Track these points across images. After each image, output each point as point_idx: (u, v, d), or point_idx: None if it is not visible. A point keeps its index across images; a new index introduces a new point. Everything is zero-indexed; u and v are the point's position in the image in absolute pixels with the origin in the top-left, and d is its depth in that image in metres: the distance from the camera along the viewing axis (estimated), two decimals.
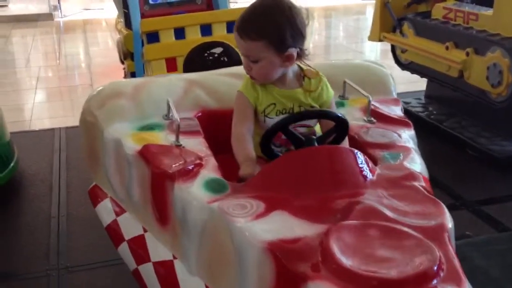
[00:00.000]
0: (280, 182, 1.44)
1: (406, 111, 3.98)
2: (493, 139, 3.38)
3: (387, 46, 4.45)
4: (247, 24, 1.65)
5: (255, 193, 1.43)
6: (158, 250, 1.67)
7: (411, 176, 1.53)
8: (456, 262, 1.18)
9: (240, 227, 1.32)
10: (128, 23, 3.87)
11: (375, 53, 6.62)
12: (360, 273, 1.10)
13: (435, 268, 1.12)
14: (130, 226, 1.82)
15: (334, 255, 1.15)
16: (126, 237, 1.81)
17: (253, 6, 1.68)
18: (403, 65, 4.13)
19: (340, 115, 1.64)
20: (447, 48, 3.49)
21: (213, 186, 1.50)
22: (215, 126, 1.84)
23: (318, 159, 1.47)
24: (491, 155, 3.27)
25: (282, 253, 1.22)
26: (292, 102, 1.74)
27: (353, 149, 1.55)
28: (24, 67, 6.31)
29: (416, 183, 1.50)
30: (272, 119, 1.72)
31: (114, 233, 1.89)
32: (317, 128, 1.81)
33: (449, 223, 1.32)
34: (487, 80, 3.20)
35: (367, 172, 1.49)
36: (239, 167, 1.63)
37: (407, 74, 4.19)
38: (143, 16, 3.77)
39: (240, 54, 1.75)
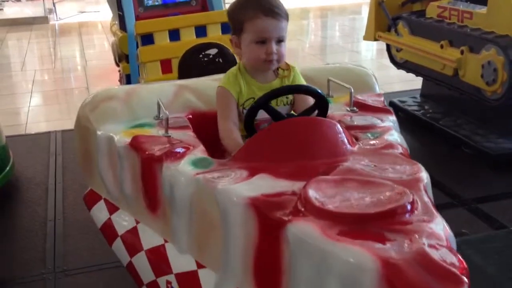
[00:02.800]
0: (263, 153, 1.49)
1: (402, 110, 4.02)
2: (488, 137, 3.39)
3: (382, 45, 4.45)
4: (275, 5, 1.76)
5: (240, 164, 1.48)
6: (150, 238, 1.73)
7: (390, 145, 1.60)
8: (430, 203, 1.24)
9: (223, 189, 1.37)
10: (122, 25, 3.87)
11: (371, 52, 6.63)
12: (334, 211, 1.16)
13: (408, 205, 1.17)
14: (123, 222, 1.87)
15: (310, 199, 1.20)
16: (119, 233, 1.86)
17: None
18: (398, 64, 4.14)
19: (319, 91, 1.71)
20: (442, 46, 3.50)
21: (200, 163, 1.55)
22: (205, 127, 1.88)
23: (299, 129, 1.52)
24: (487, 153, 3.27)
25: (263, 205, 1.27)
26: None
27: (333, 121, 1.60)
28: (19, 71, 6.30)
29: (394, 151, 1.56)
30: None
31: (108, 231, 1.93)
32: None
33: (425, 178, 1.36)
34: (481, 78, 3.20)
35: (346, 143, 1.54)
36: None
37: (402, 73, 4.20)
38: (137, 18, 3.77)
39: (256, 41, 1.76)
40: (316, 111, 1.73)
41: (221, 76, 2.17)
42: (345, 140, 1.54)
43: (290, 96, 1.86)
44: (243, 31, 1.77)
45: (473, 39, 3.26)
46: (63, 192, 3.11)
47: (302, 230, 1.16)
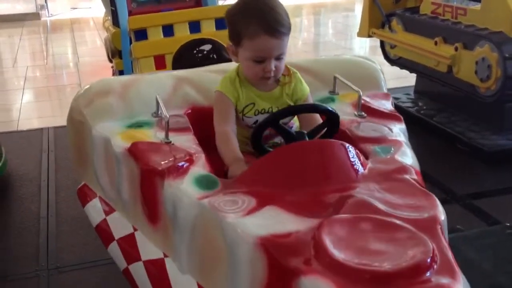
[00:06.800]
0: (271, 177, 1.43)
1: (396, 107, 4.00)
2: (483, 133, 3.40)
3: (376, 42, 4.45)
4: (279, 22, 1.61)
5: (246, 188, 1.42)
6: (149, 249, 1.65)
7: (403, 169, 1.53)
8: (449, 254, 1.18)
9: (231, 223, 1.30)
10: (115, 21, 3.84)
11: (364, 49, 6.63)
12: (353, 267, 1.09)
13: (429, 260, 1.11)
14: (120, 225, 1.79)
15: (326, 248, 1.14)
16: (116, 237, 1.79)
17: (260, 3, 1.63)
18: (392, 61, 4.14)
19: (331, 109, 1.64)
20: (436, 43, 3.50)
21: (203, 182, 1.48)
22: (205, 123, 1.82)
23: (309, 154, 1.46)
24: (481, 149, 3.28)
25: (274, 248, 1.21)
26: (270, 104, 1.75)
27: (344, 143, 1.53)
28: (11, 67, 6.25)
29: (407, 176, 1.49)
30: (250, 118, 1.74)
31: (104, 232, 1.87)
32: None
33: (442, 216, 1.31)
34: (475, 74, 3.21)
35: (358, 166, 1.48)
36: (227, 167, 1.62)
37: (396, 69, 4.20)
38: (130, 13, 3.74)
39: (255, 60, 1.65)
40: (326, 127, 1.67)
41: (218, 67, 2.07)
42: (357, 164, 1.47)
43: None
44: (241, 45, 1.64)
45: (467, 35, 3.27)
46: (55, 189, 3.09)
47: (319, 287, 1.10)
